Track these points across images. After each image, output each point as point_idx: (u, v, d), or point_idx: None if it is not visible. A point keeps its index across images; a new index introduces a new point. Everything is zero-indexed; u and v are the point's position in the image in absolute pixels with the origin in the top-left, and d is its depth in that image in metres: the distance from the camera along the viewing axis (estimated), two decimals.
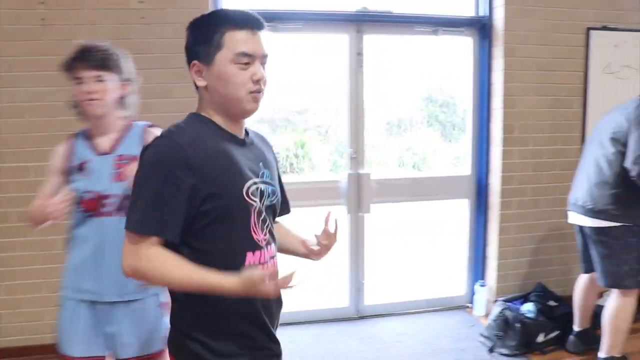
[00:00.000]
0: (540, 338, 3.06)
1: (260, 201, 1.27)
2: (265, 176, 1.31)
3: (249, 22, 1.22)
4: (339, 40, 3.38)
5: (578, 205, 2.73)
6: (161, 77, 2.82)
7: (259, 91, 1.24)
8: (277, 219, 1.45)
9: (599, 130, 2.74)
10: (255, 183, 1.26)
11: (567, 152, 3.49)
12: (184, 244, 1.20)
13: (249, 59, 1.21)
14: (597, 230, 2.65)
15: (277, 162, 1.47)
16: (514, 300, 3.33)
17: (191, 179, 1.15)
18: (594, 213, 2.63)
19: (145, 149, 1.22)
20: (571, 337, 3.04)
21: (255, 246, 1.26)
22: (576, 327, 3.04)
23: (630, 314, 2.68)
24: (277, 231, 1.41)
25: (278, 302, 1.36)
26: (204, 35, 1.22)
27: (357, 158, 3.42)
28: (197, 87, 1.27)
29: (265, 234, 1.29)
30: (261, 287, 1.11)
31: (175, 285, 1.20)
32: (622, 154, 2.55)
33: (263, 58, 1.25)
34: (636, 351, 2.92)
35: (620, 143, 2.57)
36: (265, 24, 1.25)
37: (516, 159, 3.44)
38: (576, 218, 2.77)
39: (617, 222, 2.59)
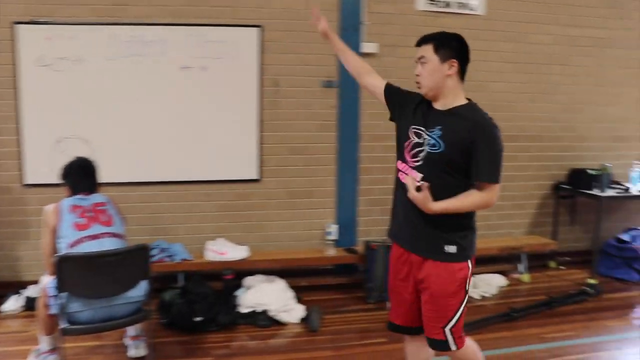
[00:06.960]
0: None
1: (418, 138, 1.97)
2: (434, 131, 1.94)
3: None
4: None
5: None
6: None
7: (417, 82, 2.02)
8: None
9: None
10: (418, 130, 1.99)
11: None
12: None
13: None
14: None
15: (471, 134, 1.88)
16: None
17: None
18: None
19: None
20: None
21: (403, 159, 2.05)
22: None
23: None
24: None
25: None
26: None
27: None
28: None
29: (415, 160, 1.98)
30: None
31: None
32: None
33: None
34: None
35: None
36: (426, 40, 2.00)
37: None
38: None
39: None
